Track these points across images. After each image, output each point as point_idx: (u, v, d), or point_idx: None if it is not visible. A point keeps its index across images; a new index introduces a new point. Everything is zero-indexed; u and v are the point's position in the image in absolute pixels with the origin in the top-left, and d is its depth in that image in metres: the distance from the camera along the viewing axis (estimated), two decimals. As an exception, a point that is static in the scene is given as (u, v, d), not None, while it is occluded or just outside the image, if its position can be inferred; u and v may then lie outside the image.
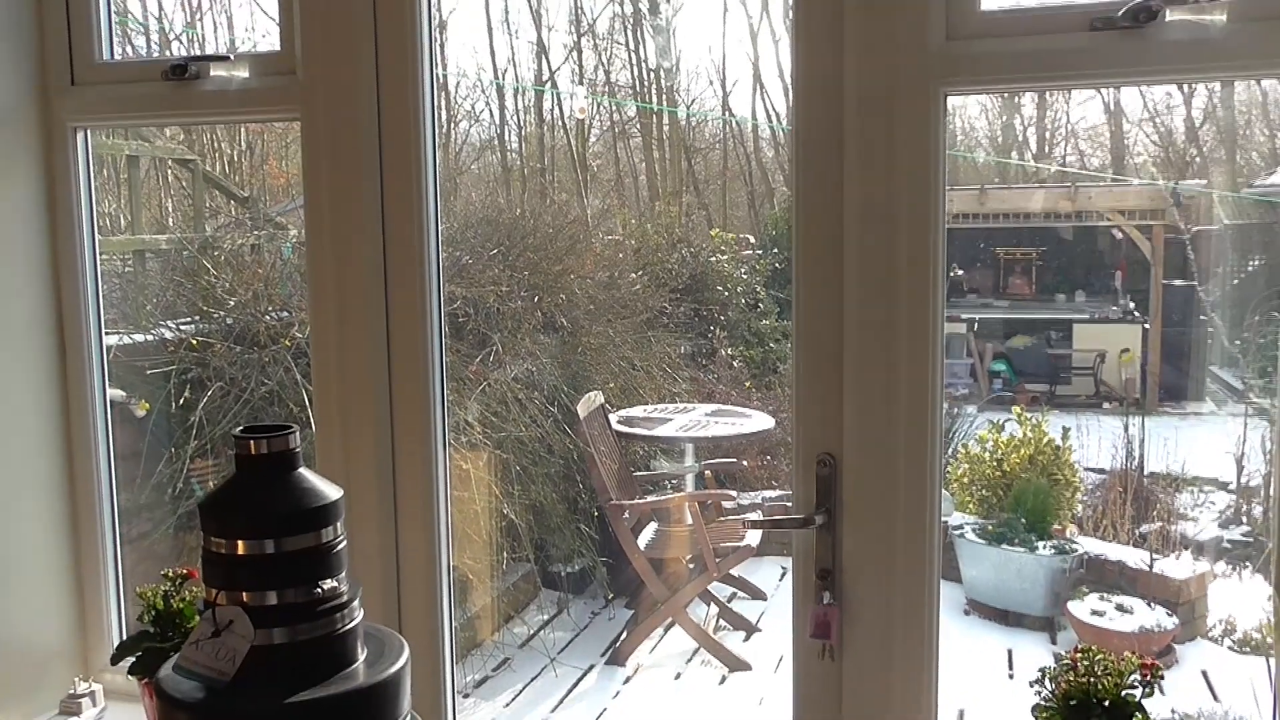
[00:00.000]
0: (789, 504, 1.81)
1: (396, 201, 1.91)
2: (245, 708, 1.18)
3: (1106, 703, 1.55)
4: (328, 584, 1.21)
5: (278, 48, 1.95)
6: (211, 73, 1.98)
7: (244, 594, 1.19)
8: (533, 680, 4.72)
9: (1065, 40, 1.56)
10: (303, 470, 1.23)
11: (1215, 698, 4.42)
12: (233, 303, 4.31)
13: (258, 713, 1.18)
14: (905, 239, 1.64)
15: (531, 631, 5.16)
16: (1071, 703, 1.56)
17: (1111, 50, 1.54)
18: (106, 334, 2.27)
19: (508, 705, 4.51)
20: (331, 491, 1.24)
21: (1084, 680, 1.56)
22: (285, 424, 1.22)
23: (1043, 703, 1.60)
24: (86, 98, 2.10)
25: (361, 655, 1.27)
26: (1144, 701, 1.56)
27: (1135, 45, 1.53)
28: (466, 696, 4.53)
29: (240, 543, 1.18)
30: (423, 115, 1.89)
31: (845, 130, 1.65)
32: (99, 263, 2.22)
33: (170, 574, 1.97)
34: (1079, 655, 1.59)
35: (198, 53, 2.00)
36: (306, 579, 1.20)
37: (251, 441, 1.20)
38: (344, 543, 1.26)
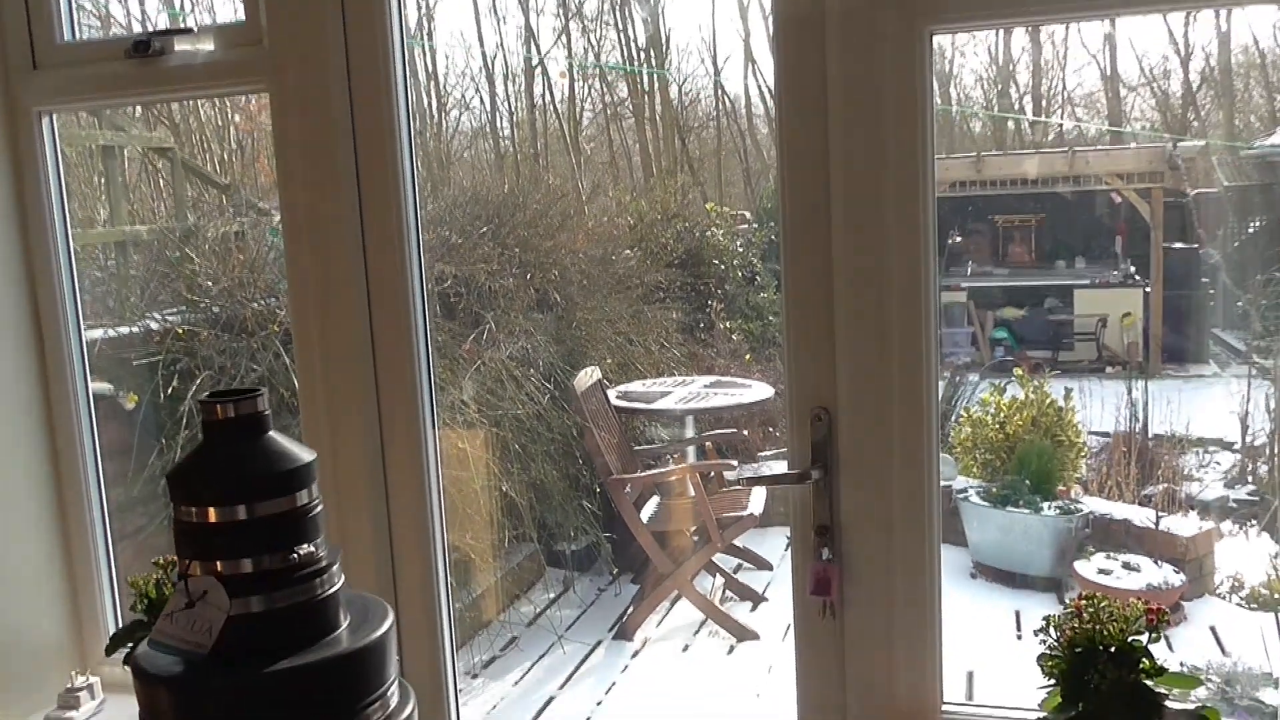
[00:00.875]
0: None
1: (372, 172, 1.86)
2: (224, 679, 1.15)
3: (1112, 649, 1.52)
4: (304, 549, 1.18)
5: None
6: (176, 47, 1.93)
7: (218, 563, 1.16)
8: (541, 658, 4.71)
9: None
10: (273, 434, 1.20)
11: (1224, 652, 4.41)
12: (217, 290, 4.27)
13: (237, 684, 1.15)
14: (893, 186, 1.60)
15: (538, 610, 5.15)
16: (1077, 650, 1.53)
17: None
18: (90, 327, 2.22)
19: (516, 683, 4.50)
20: (304, 454, 1.20)
21: (1089, 627, 1.53)
22: (253, 387, 1.18)
23: (1048, 651, 1.57)
24: (50, 81, 2.05)
25: (344, 621, 1.24)
26: (1150, 647, 1.53)
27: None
28: (475, 677, 4.52)
29: (211, 510, 1.15)
30: (395, 81, 1.84)
31: (829, 77, 1.61)
32: (74, 252, 2.18)
33: (161, 561, 1.93)
34: (1084, 603, 1.56)
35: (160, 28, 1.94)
36: (282, 544, 1.17)
37: (218, 405, 1.16)
38: (320, 506, 1.22)
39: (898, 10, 1.57)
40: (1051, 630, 1.57)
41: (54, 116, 2.12)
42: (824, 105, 1.61)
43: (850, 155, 1.61)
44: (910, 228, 1.61)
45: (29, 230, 2.10)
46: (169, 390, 3.91)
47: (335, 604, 1.23)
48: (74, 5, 2.09)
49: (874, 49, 1.58)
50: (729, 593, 5.18)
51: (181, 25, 1.94)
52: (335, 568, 1.23)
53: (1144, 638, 1.53)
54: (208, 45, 1.93)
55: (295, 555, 1.16)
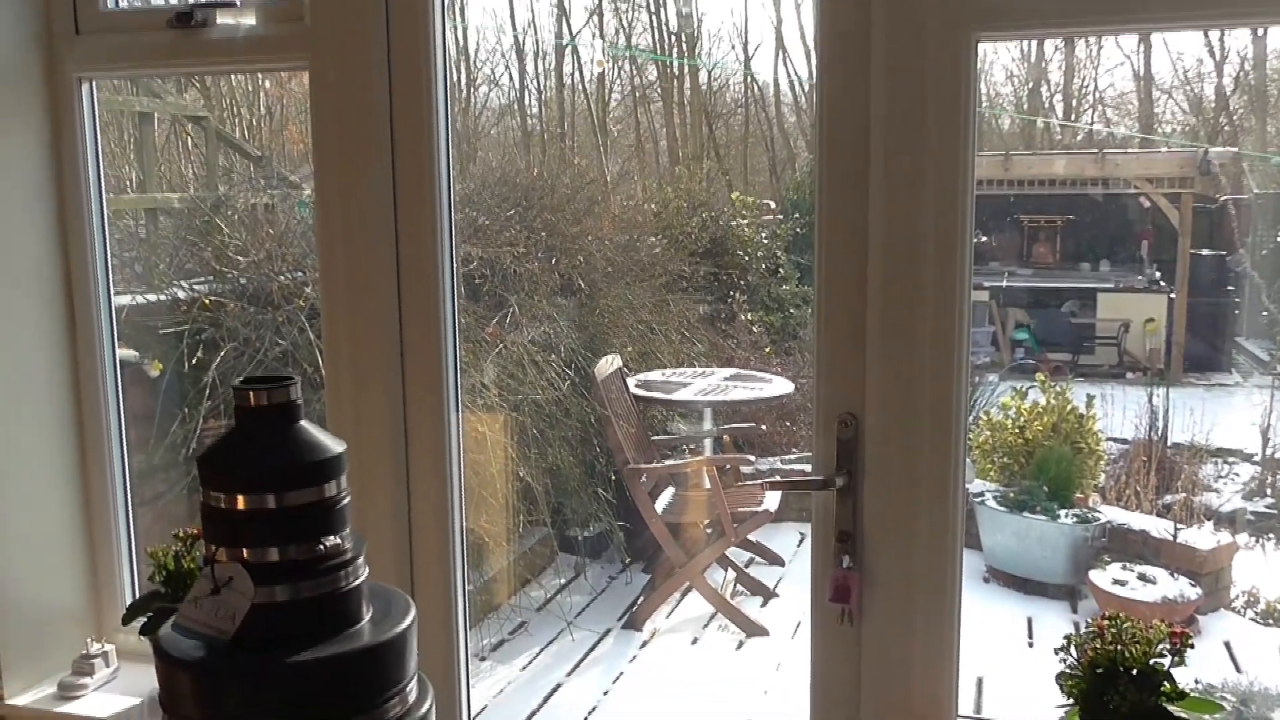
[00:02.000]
0: (808, 466, 1.76)
1: (408, 153, 1.85)
2: (246, 667, 1.15)
3: (1134, 671, 1.51)
4: (331, 540, 1.17)
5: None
6: (218, 20, 1.92)
7: (244, 550, 1.16)
8: (549, 644, 4.72)
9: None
10: (304, 423, 1.19)
11: (1238, 669, 4.37)
12: (245, 262, 4.28)
13: (259, 672, 1.15)
14: (932, 191, 1.58)
15: (548, 595, 5.16)
16: (1098, 670, 1.52)
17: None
18: (118, 294, 2.22)
19: (524, 668, 4.51)
20: (334, 445, 1.20)
21: (1111, 648, 1.52)
22: (286, 375, 1.18)
23: (1068, 670, 1.55)
24: (91, 47, 2.04)
25: (367, 614, 1.24)
26: (1172, 671, 1.52)
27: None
28: (483, 660, 4.53)
29: (240, 497, 1.15)
30: (435, 62, 1.83)
31: (872, 79, 1.59)
32: (107, 219, 2.18)
33: (181, 534, 1.94)
34: (1106, 623, 1.54)
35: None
36: (309, 535, 1.16)
37: (251, 393, 1.16)
38: (348, 498, 1.22)
39: (945, 16, 1.54)
40: (1072, 649, 1.56)
41: (94, 83, 2.12)
42: (866, 108, 1.59)
43: (890, 159, 1.59)
44: (947, 234, 1.59)
45: (64, 195, 2.10)
46: (193, 360, 3.92)
47: (359, 596, 1.22)
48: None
49: (919, 55, 1.56)
50: (740, 587, 5.18)
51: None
52: (360, 560, 1.23)
53: (1166, 661, 1.52)
54: (249, 19, 1.92)
55: (322, 546, 1.16)
